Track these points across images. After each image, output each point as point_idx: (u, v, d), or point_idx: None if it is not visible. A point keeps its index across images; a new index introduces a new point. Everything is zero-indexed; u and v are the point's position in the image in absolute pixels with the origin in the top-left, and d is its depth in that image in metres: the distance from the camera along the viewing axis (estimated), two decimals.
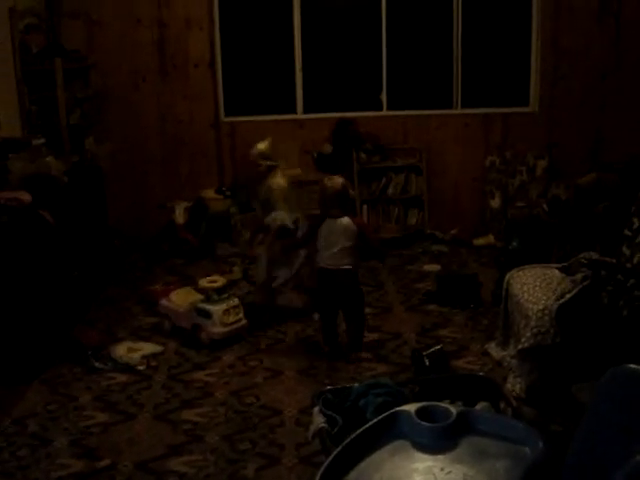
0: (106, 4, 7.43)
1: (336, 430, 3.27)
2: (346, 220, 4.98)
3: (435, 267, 6.86)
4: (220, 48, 7.70)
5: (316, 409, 3.53)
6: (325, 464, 1.94)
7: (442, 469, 1.95)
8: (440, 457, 2.00)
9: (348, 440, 2.05)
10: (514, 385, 4.42)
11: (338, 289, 5.05)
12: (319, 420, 3.45)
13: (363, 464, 1.99)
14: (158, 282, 6.42)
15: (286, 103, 7.87)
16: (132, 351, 5.10)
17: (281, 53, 7.80)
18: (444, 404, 2.15)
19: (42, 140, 6.09)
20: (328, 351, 5.13)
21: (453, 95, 7.91)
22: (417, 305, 6.00)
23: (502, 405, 3.51)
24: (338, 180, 5.06)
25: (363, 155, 7.64)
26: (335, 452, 1.99)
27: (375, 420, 2.11)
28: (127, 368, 4.92)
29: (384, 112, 7.91)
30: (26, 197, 5.08)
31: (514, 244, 6.08)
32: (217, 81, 7.75)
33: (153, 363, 5.02)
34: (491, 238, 7.56)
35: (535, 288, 4.57)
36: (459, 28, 7.75)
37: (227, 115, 7.85)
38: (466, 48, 7.80)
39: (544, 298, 4.40)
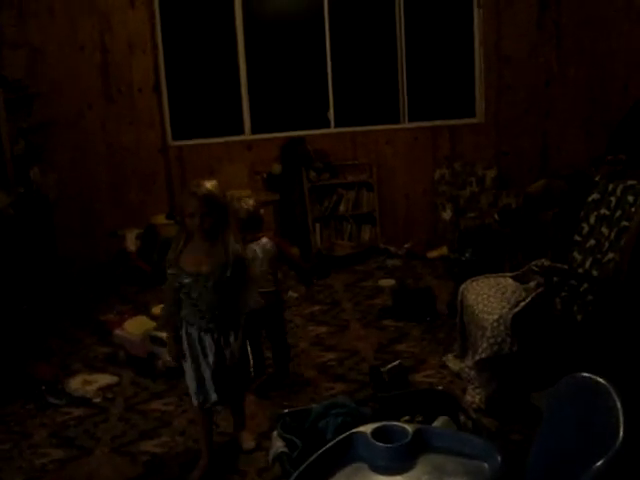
0: (48, 32, 7.33)
1: (296, 454, 3.24)
2: (264, 240, 4.81)
3: (390, 282, 6.85)
4: (164, 71, 7.66)
5: (275, 433, 3.50)
6: None
7: None
8: (398, 478, 1.98)
9: (305, 465, 2.02)
10: (474, 396, 4.42)
11: (261, 313, 4.74)
12: (279, 444, 3.42)
13: None
14: (111, 311, 6.31)
15: (234, 124, 7.84)
16: (87, 383, 4.99)
17: (226, 74, 7.78)
18: (400, 423, 2.13)
19: None
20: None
21: (400, 109, 7.96)
22: (373, 321, 5.98)
23: (462, 418, 3.51)
24: (249, 201, 4.86)
25: (313, 173, 7.64)
26: (293, 477, 1.96)
27: (331, 443, 2.08)
28: (83, 401, 4.81)
29: (332, 129, 7.93)
30: None
31: (467, 255, 6.11)
32: (163, 105, 7.70)
33: (109, 395, 4.92)
34: (444, 250, 7.58)
35: (489, 298, 4.58)
36: (402, 42, 7.82)
37: (175, 139, 7.80)
38: (410, 62, 7.88)
39: (499, 308, 4.41)
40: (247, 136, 7.86)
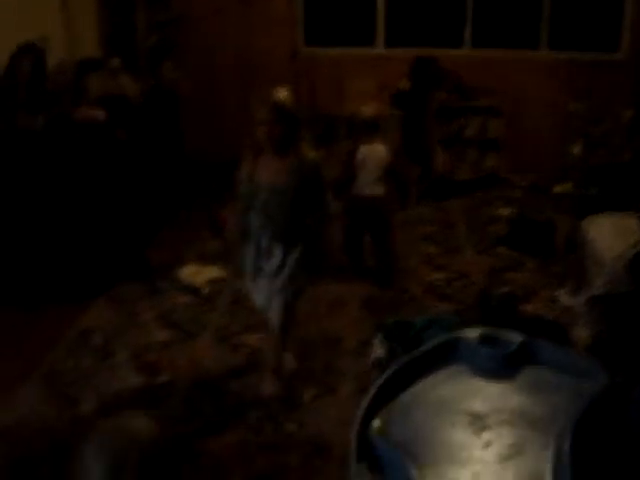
0: None
1: (396, 360, 3.23)
2: (379, 147, 5.08)
3: (509, 211, 6.68)
4: None
5: (377, 339, 3.50)
6: (380, 381, 1.89)
7: (500, 395, 1.88)
8: (499, 384, 1.94)
9: (407, 358, 2.00)
10: (581, 332, 4.30)
11: (368, 215, 5.14)
12: (380, 350, 3.42)
13: (419, 384, 1.93)
14: (226, 208, 6.38)
15: (366, 36, 7.69)
16: (197, 274, 5.12)
17: None
18: (508, 332, 2.07)
19: (119, 61, 6.08)
20: (349, 263, 5.32)
21: (540, 36, 7.62)
22: (487, 248, 5.87)
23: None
24: (369, 107, 5.22)
25: (442, 94, 7.43)
26: (393, 369, 1.94)
27: (436, 342, 2.05)
28: (191, 290, 4.95)
29: (467, 50, 7.68)
30: (101, 115, 5.10)
31: (593, 191, 5.90)
32: (297, 9, 7.60)
33: (217, 287, 5.03)
34: (569, 186, 7.32)
35: (611, 235, 4.42)
36: None
37: (307, 44, 7.72)
38: None
39: (620, 246, 4.26)
40: (379, 49, 7.71)
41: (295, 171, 3.50)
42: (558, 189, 7.39)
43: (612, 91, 7.50)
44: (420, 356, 2.02)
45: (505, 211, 6.72)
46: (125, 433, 1.74)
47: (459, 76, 7.48)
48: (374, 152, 5.06)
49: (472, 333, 2.06)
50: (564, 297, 4.90)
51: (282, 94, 3.51)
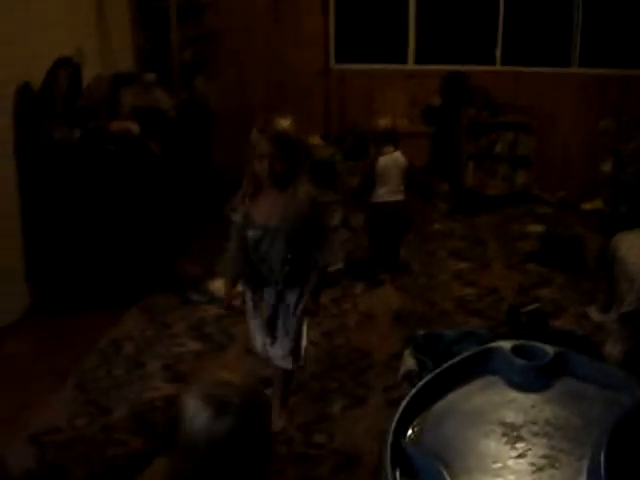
0: None
1: (426, 374, 3.24)
2: (397, 154, 5.42)
3: (539, 228, 6.67)
4: None
5: (407, 352, 3.52)
6: (413, 391, 1.90)
7: (533, 406, 1.89)
8: (532, 395, 1.94)
9: (437, 371, 2.01)
10: (612, 349, 4.27)
11: (391, 220, 5.46)
12: (410, 363, 3.44)
13: (452, 394, 1.94)
14: None
15: (398, 53, 7.73)
16: None
17: (395, 1, 7.64)
18: (541, 344, 2.08)
19: (154, 75, 6.16)
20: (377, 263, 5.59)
21: (571, 53, 7.62)
22: (517, 263, 5.87)
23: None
24: (388, 118, 5.65)
25: (472, 110, 7.45)
26: (426, 379, 1.96)
27: (469, 353, 2.06)
28: (222, 302, 4.97)
29: (497, 67, 7.69)
30: (135, 128, 5.17)
31: (623, 209, 5.87)
32: (329, 28, 7.66)
33: None
34: (599, 203, 7.29)
35: None
36: None
37: (338, 62, 7.77)
38: (588, 3, 7.47)
39: None
40: (410, 65, 7.74)
41: (294, 209, 3.18)
42: (587, 206, 7.38)
43: None
44: (453, 367, 2.04)
45: (535, 227, 6.72)
46: (224, 383, 1.82)
47: (489, 93, 7.50)
48: (393, 161, 5.39)
49: (505, 344, 2.07)
50: (594, 313, 4.89)
51: (284, 124, 3.19)
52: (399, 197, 5.43)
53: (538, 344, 2.08)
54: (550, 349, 2.04)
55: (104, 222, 4.89)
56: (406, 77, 7.67)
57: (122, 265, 4.96)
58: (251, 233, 3.25)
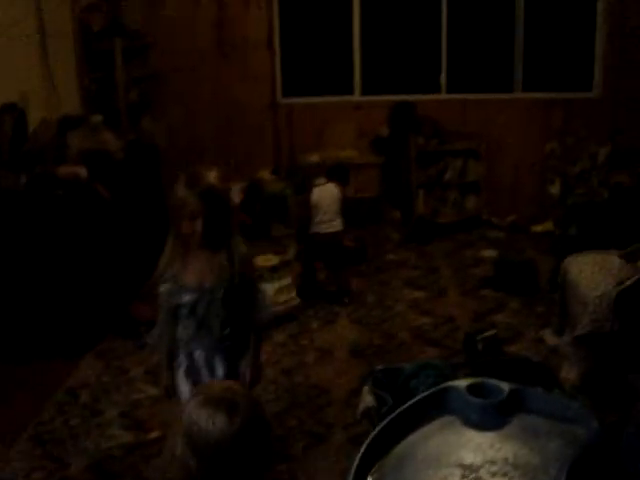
0: None
1: (385, 410, 3.23)
2: (331, 185, 5.65)
3: (492, 253, 6.74)
4: (278, 28, 7.66)
5: (366, 388, 3.50)
6: (371, 436, 1.89)
7: (492, 446, 1.88)
8: (490, 434, 1.93)
9: (395, 413, 2.00)
10: (568, 372, 4.32)
11: (327, 250, 5.68)
12: (368, 399, 3.42)
13: (410, 437, 1.93)
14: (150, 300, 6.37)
15: (344, 84, 7.79)
16: None
17: (340, 33, 7.73)
18: (496, 381, 2.08)
19: (100, 117, 6.13)
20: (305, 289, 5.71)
21: (514, 78, 7.75)
22: (472, 290, 5.91)
23: (556, 392, 3.44)
24: (318, 153, 6.26)
25: (421, 139, 7.53)
26: (382, 425, 1.94)
27: (425, 394, 2.05)
28: None
29: (443, 95, 7.80)
30: (83, 172, 5.13)
31: (573, 231, 5.96)
32: (275, 62, 7.71)
33: None
34: (549, 225, 7.39)
35: (593, 274, 4.45)
36: (522, 8, 7.57)
37: (285, 96, 7.81)
38: (528, 29, 7.63)
39: (603, 284, 4.29)
40: (357, 97, 7.82)
41: (227, 268, 2.94)
42: (538, 228, 7.47)
43: (588, 130, 7.60)
44: (411, 408, 2.03)
45: (488, 252, 6.78)
46: (225, 389, 1.98)
47: (436, 121, 7.58)
48: (327, 192, 5.60)
49: (461, 383, 2.07)
50: (549, 337, 4.93)
51: (211, 177, 2.93)
52: (335, 228, 5.63)
53: (493, 381, 2.08)
54: (505, 385, 2.04)
55: (54, 269, 4.82)
56: (353, 109, 7.74)
57: (75, 312, 4.89)
58: (186, 298, 2.97)
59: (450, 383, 2.11)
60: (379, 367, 3.67)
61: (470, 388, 2.07)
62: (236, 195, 7.27)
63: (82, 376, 4.57)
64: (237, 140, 7.79)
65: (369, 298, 5.72)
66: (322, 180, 5.70)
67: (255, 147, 7.81)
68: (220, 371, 3.03)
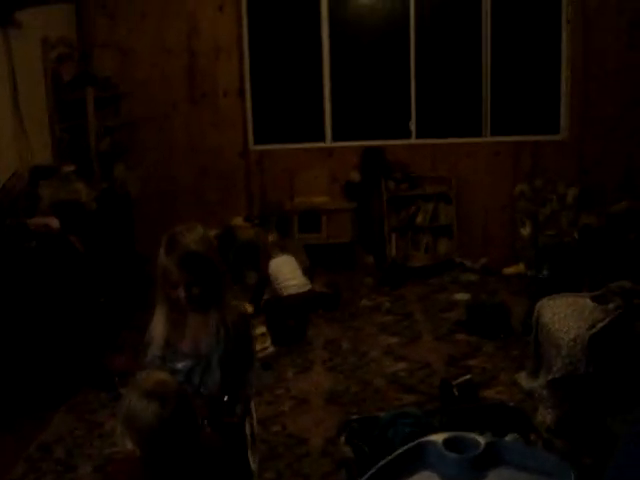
0: (137, 34, 7.51)
1: (363, 460, 3.22)
2: (285, 256, 6.07)
3: (465, 296, 6.77)
4: (249, 76, 7.74)
5: (342, 439, 3.49)
6: None
7: None
8: None
9: (373, 470, 2.00)
10: (545, 416, 4.33)
11: (294, 310, 5.87)
12: (345, 450, 3.41)
13: None
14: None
15: (315, 131, 7.86)
16: None
17: (310, 81, 7.82)
18: (472, 434, 2.10)
19: (72, 167, 6.13)
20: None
21: (482, 123, 7.86)
22: (446, 334, 5.92)
23: (532, 437, 3.45)
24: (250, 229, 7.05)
25: (392, 183, 7.60)
26: (364, 478, 1.95)
27: (401, 450, 2.05)
28: None
29: (413, 140, 7.88)
30: (55, 224, 5.11)
31: (544, 273, 6.01)
32: (246, 109, 7.77)
33: None
34: (521, 267, 7.46)
35: (566, 317, 4.49)
36: (488, 55, 7.71)
37: (256, 143, 7.86)
38: (495, 75, 7.76)
39: (576, 327, 4.32)
40: (328, 143, 7.87)
41: (225, 330, 2.82)
42: (509, 270, 7.53)
43: (556, 172, 7.72)
44: (389, 465, 2.03)
45: (460, 296, 6.81)
46: (159, 382, 2.42)
47: (407, 165, 7.67)
48: (283, 263, 6.00)
49: (438, 438, 2.08)
50: (524, 380, 4.94)
51: (193, 239, 2.79)
52: (306, 287, 6.02)
53: (470, 435, 2.09)
54: (481, 439, 2.06)
55: (27, 321, 4.77)
56: (325, 155, 7.80)
57: (48, 364, 4.83)
58: (180, 365, 2.82)
59: (427, 438, 2.12)
60: (355, 417, 3.67)
61: (447, 442, 2.08)
62: None
63: (55, 431, 4.51)
64: (210, 187, 7.81)
65: (344, 345, 5.70)
66: (277, 252, 6.07)
67: (228, 194, 7.83)
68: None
